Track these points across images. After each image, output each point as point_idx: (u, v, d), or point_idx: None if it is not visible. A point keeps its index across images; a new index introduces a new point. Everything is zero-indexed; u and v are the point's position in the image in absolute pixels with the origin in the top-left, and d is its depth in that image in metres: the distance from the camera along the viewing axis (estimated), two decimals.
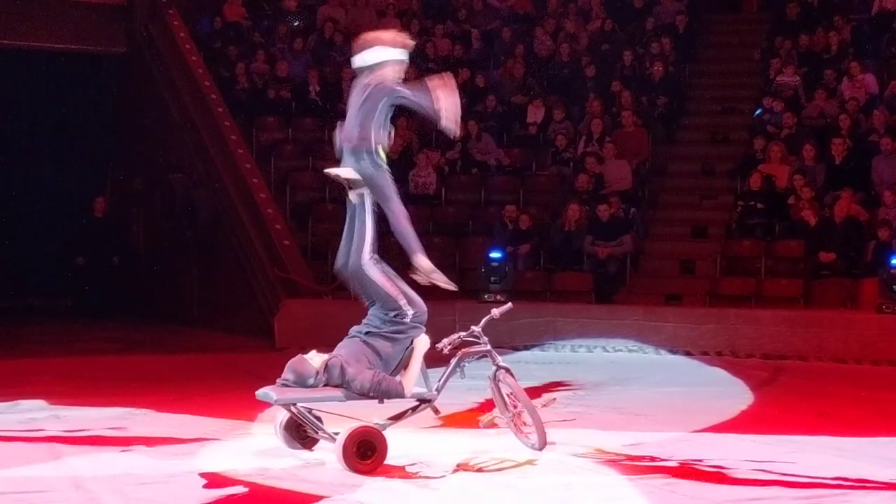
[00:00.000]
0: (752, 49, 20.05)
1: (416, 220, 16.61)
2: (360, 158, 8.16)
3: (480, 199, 18.40)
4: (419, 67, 19.79)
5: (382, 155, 8.19)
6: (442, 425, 9.27)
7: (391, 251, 8.61)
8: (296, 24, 20.98)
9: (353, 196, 8.27)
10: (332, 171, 8.34)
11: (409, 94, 8.17)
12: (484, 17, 21.17)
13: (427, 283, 8.30)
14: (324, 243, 17.19)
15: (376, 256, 8.22)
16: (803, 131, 17.58)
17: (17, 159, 20.73)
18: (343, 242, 8.36)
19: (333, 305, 15.52)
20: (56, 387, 11.56)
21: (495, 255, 16.03)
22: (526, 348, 15.21)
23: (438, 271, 8.29)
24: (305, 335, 13.93)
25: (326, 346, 8.33)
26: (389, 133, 8.25)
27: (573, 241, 16.85)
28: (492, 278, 15.83)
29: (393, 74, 8.25)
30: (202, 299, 18.72)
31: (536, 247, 17.14)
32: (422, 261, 8.22)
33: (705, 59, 20.51)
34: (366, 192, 8.19)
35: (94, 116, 20.88)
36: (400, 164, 16.46)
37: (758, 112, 18.46)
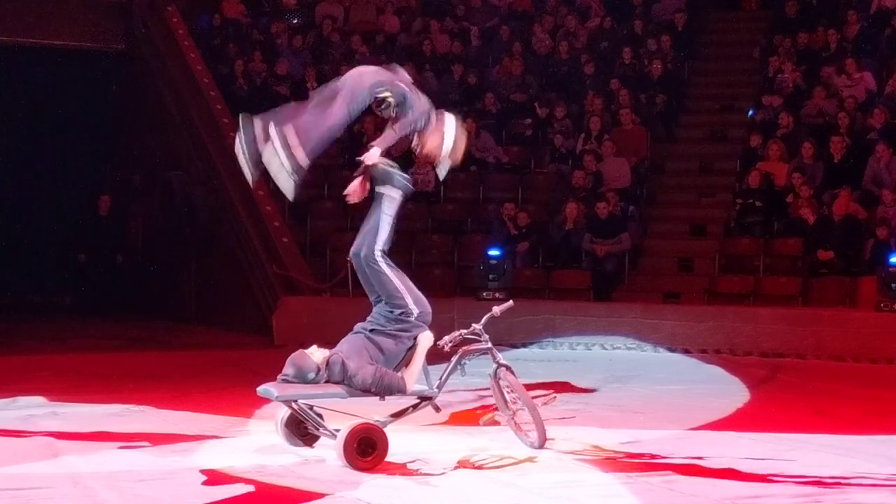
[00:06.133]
0: (752, 47, 20.04)
1: (415, 218, 16.63)
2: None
3: (479, 196, 18.40)
4: (418, 65, 19.91)
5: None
6: (442, 423, 9.27)
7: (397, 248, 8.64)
8: (294, 21, 20.98)
9: (378, 190, 8.33)
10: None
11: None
12: (483, 15, 21.16)
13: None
14: (322, 240, 17.20)
15: (386, 256, 8.25)
16: (802, 129, 17.58)
17: (15, 156, 20.70)
18: (360, 232, 8.38)
19: (332, 302, 15.53)
20: (55, 383, 11.57)
21: (494, 252, 16.03)
22: (524, 346, 15.21)
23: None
24: (304, 332, 13.94)
25: (325, 342, 8.34)
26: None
27: (572, 238, 16.85)
28: (490, 276, 15.83)
29: None
30: (201, 296, 18.71)
31: (535, 244, 17.14)
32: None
33: (704, 56, 20.50)
34: (391, 191, 8.27)
35: (93, 114, 20.84)
36: (399, 162, 16.43)
37: (750, 113, 18.51)
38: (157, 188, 19.31)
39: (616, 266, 16.72)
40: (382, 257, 8.21)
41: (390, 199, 8.29)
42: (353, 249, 8.37)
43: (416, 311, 8.17)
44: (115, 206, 19.97)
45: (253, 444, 8.64)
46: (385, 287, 8.19)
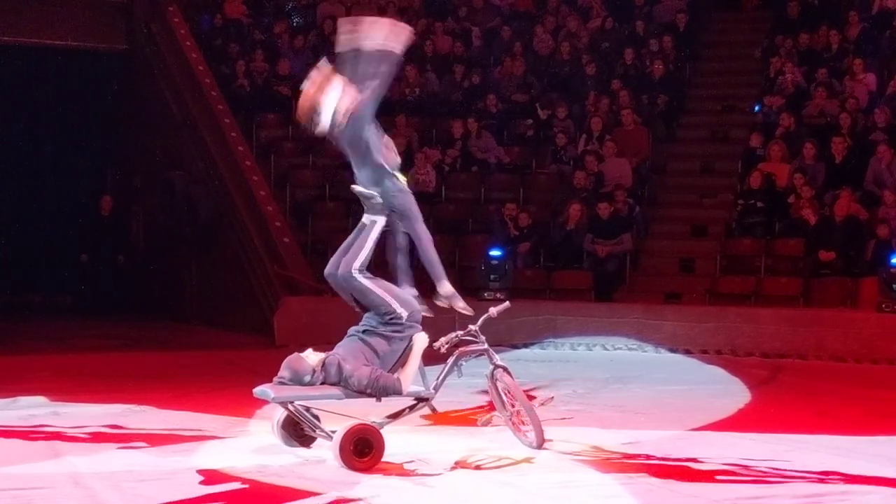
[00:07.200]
0: (753, 47, 20.04)
1: None
2: (381, 181, 8.22)
3: (480, 196, 18.40)
4: (420, 65, 19.92)
5: (401, 178, 8.25)
6: (440, 423, 9.26)
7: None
8: (296, 21, 20.98)
9: (366, 219, 8.32)
10: (358, 188, 8.31)
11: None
12: (484, 15, 21.17)
13: (446, 307, 8.38)
14: (323, 241, 17.19)
15: (363, 270, 8.25)
16: (803, 130, 17.58)
17: (16, 156, 20.71)
18: (338, 252, 8.39)
19: (332, 303, 15.34)
20: (55, 383, 11.57)
21: (495, 252, 16.03)
22: (525, 346, 15.21)
23: (459, 297, 8.40)
24: (305, 332, 13.93)
25: (326, 343, 8.34)
26: (389, 146, 8.35)
27: (573, 239, 16.85)
28: (492, 276, 15.83)
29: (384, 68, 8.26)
30: (202, 296, 18.72)
31: (536, 245, 17.14)
32: (446, 287, 8.36)
33: (706, 57, 20.50)
34: (379, 219, 8.25)
35: (94, 113, 20.86)
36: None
37: (756, 108, 18.50)
38: (158, 188, 19.32)
39: (617, 266, 16.72)
40: (360, 272, 8.22)
41: (378, 226, 8.27)
42: (328, 269, 8.41)
43: (404, 314, 8.19)
44: (117, 207, 20.00)
45: (253, 444, 8.64)
46: (368, 299, 8.22)
